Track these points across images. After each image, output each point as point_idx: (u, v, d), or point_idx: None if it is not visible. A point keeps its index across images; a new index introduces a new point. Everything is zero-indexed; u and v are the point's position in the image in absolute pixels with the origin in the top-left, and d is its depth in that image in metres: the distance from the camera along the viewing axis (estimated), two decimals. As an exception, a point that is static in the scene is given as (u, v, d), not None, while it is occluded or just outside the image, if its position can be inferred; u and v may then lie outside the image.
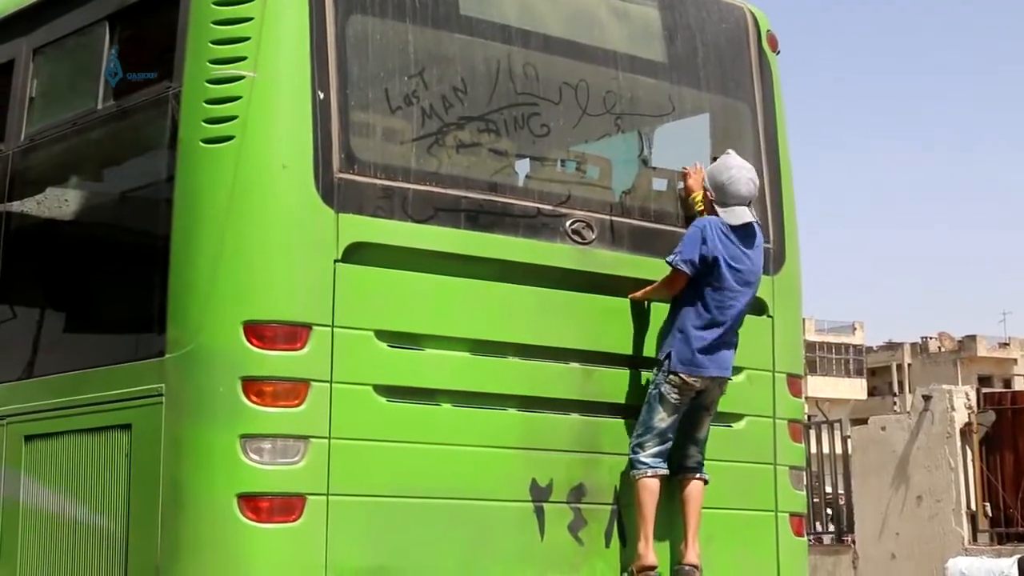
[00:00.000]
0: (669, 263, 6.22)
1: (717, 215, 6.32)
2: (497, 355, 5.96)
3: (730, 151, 6.52)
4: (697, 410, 6.31)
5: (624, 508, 6.17)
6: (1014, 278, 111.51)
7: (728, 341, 6.30)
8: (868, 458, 14.56)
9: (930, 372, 59.77)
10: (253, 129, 5.59)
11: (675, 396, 6.18)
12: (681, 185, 6.65)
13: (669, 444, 6.21)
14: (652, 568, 6.06)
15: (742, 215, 6.33)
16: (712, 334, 6.23)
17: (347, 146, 5.73)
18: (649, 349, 6.35)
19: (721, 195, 6.34)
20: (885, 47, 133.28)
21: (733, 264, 6.25)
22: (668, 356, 6.21)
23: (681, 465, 6.33)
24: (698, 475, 6.32)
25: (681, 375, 6.17)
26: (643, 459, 6.15)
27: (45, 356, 6.57)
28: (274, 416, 5.45)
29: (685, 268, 6.19)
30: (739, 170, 6.37)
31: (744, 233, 6.33)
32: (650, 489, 6.13)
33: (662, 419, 6.18)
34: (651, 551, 6.07)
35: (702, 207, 6.45)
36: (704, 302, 6.23)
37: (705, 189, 6.42)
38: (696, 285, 6.23)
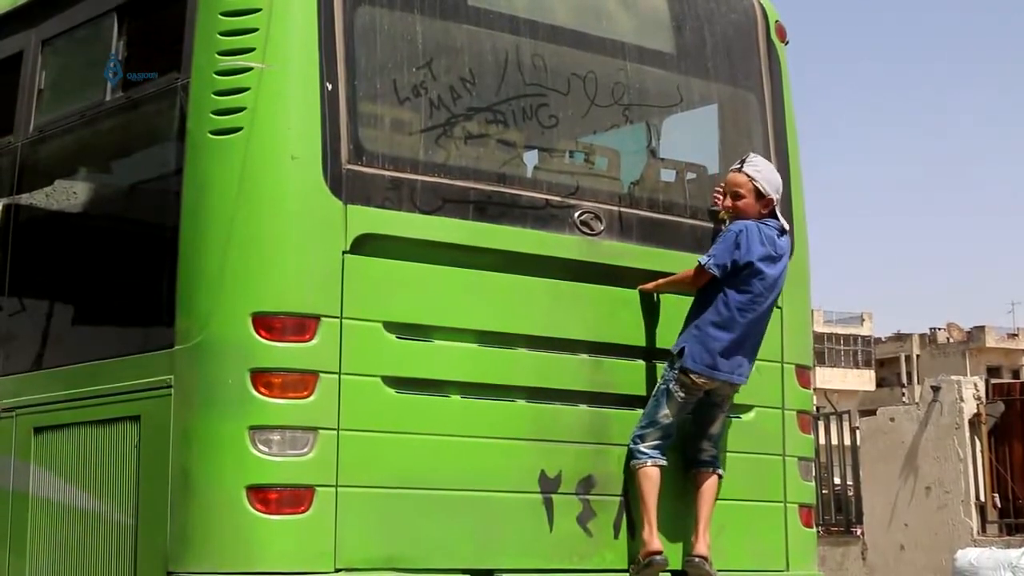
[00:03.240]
0: (701, 264, 6.19)
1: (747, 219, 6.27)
2: (506, 346, 5.95)
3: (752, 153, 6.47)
4: (709, 407, 6.31)
5: (633, 499, 6.17)
6: (1023, 269, 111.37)
7: (746, 346, 6.26)
8: (877, 449, 14.55)
9: (939, 363, 59.73)
10: (261, 120, 5.58)
11: (682, 395, 6.17)
12: (719, 205, 6.50)
13: (671, 439, 6.20)
14: (658, 553, 6.06)
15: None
16: (729, 336, 6.19)
17: (355, 137, 5.72)
18: (659, 340, 6.34)
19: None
20: (896, 34, 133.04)
21: (763, 270, 6.22)
22: (681, 351, 6.20)
23: (695, 459, 6.34)
24: (712, 469, 6.32)
25: (691, 374, 6.16)
26: (643, 449, 6.15)
27: (54, 348, 6.57)
28: (283, 408, 5.45)
29: (716, 272, 6.17)
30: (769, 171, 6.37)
31: (779, 237, 6.30)
32: (650, 478, 6.13)
33: (666, 415, 6.17)
34: (655, 537, 6.07)
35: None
36: (727, 303, 6.19)
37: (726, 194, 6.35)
38: (720, 285, 6.19)
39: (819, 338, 65.53)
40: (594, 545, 6.08)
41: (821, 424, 15.22)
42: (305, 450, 5.45)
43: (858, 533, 15.04)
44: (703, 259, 6.20)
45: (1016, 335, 69.70)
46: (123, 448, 5.82)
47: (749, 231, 6.22)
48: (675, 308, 6.36)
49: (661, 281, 6.34)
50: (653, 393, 6.22)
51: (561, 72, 6.35)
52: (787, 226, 6.39)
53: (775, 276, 6.28)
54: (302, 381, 5.48)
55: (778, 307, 6.68)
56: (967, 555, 12.10)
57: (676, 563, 6.21)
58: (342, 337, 5.56)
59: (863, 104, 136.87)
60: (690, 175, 6.76)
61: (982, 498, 13.78)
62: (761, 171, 6.33)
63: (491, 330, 5.92)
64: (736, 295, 6.20)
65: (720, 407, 6.33)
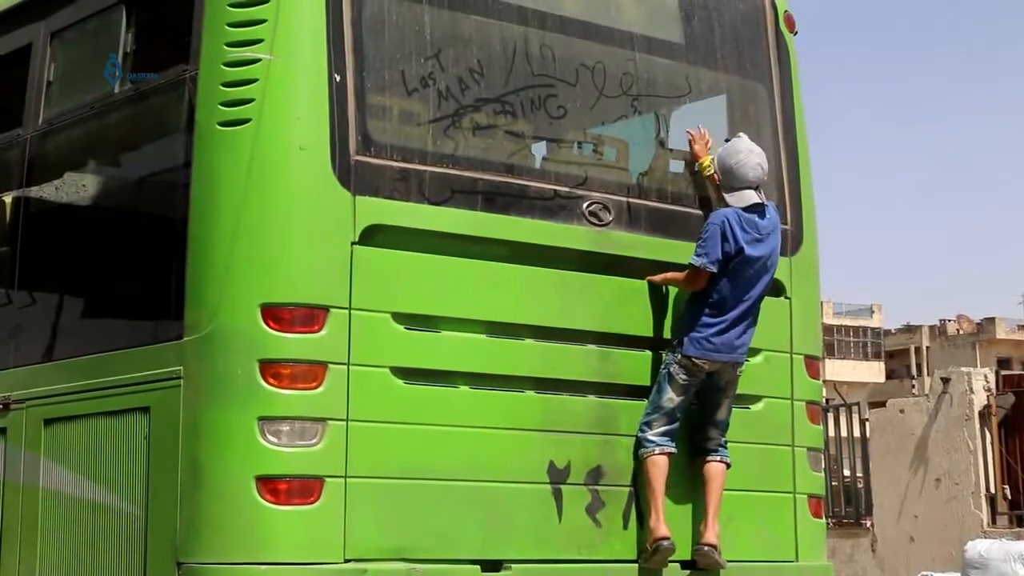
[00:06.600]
0: (695, 265, 6.22)
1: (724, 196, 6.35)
2: (514, 337, 5.96)
3: (741, 134, 6.52)
4: (712, 392, 6.32)
5: (641, 488, 6.18)
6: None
7: (743, 327, 6.30)
8: (886, 441, 14.55)
9: (948, 355, 59.64)
10: (270, 112, 5.59)
11: (684, 377, 6.19)
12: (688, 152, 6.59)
13: (677, 424, 6.22)
14: (665, 539, 6.07)
15: (748, 197, 6.33)
16: (726, 322, 6.25)
17: (364, 128, 5.72)
18: (666, 331, 6.35)
19: (728, 179, 6.36)
20: (906, 23, 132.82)
21: (752, 254, 6.26)
22: (680, 340, 6.23)
23: (702, 447, 6.35)
24: (719, 457, 6.32)
25: (692, 358, 6.18)
26: (650, 437, 6.17)
27: (63, 340, 6.58)
28: (292, 398, 5.46)
29: (713, 268, 6.21)
30: (747, 154, 6.39)
31: (760, 216, 6.33)
32: (658, 466, 6.15)
33: (670, 399, 6.19)
34: (662, 524, 6.09)
35: (710, 171, 6.45)
36: (720, 291, 6.25)
37: (714, 172, 6.44)
38: (713, 275, 6.24)
39: (828, 330, 65.43)
40: (603, 536, 6.08)
41: (831, 416, 15.20)
42: (314, 441, 5.46)
43: (868, 525, 15.04)
44: (696, 260, 6.23)
45: (1026, 327, 69.53)
46: (133, 439, 5.83)
47: (729, 219, 6.27)
48: (683, 298, 6.37)
49: (666, 275, 6.34)
50: (656, 380, 6.24)
51: (570, 63, 6.35)
52: (770, 201, 6.45)
53: (764, 257, 6.31)
54: (311, 372, 5.49)
55: (787, 298, 6.71)
56: (977, 547, 12.08)
57: (685, 552, 6.21)
58: (351, 328, 5.56)
59: (872, 94, 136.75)
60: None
61: (992, 490, 13.78)
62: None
63: (500, 321, 5.92)
64: (728, 283, 6.25)
65: (724, 391, 6.34)
